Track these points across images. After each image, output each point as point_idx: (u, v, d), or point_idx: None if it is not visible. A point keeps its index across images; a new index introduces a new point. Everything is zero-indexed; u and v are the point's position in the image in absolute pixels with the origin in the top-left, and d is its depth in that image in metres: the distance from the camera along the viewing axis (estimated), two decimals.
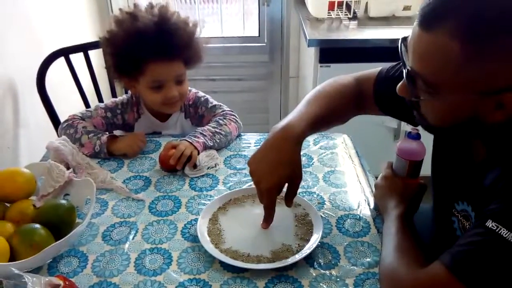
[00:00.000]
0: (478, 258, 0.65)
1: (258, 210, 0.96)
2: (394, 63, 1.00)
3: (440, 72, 0.68)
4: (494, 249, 0.65)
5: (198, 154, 1.19)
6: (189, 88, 1.42)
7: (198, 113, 1.39)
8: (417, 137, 0.98)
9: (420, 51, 0.70)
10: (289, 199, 0.94)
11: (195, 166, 1.17)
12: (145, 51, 1.20)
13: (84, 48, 1.60)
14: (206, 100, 1.40)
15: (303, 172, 1.16)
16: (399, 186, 0.98)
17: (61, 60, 1.56)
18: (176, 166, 1.17)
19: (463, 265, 0.66)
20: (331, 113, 0.98)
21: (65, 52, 1.55)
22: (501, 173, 0.72)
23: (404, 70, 0.74)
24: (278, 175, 0.87)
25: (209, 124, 1.29)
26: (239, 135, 1.34)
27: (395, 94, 0.84)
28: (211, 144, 1.23)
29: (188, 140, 1.21)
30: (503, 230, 0.64)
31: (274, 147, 0.89)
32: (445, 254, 0.69)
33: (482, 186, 0.76)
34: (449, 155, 0.90)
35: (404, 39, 0.75)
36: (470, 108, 0.70)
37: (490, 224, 0.65)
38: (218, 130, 1.27)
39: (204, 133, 1.24)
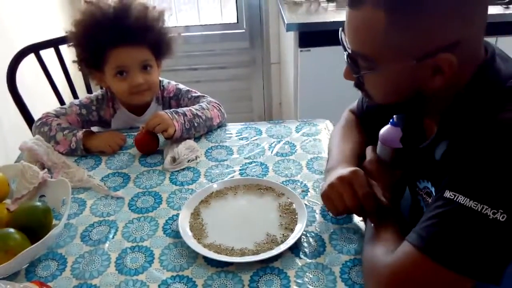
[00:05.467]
0: (442, 229, 0.66)
1: (241, 202, 0.93)
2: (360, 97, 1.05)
3: (372, 43, 0.70)
4: (455, 217, 0.65)
5: (175, 132, 1.17)
6: (169, 80, 1.39)
7: (180, 105, 1.35)
8: (399, 124, 0.95)
9: (352, 28, 0.73)
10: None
11: (174, 160, 1.14)
12: (104, 37, 1.18)
13: (54, 43, 1.54)
14: (188, 91, 1.36)
15: (286, 160, 1.15)
16: (382, 173, 0.97)
17: (33, 57, 1.50)
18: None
19: (429, 239, 0.66)
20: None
21: (35, 48, 1.50)
22: (449, 145, 0.74)
23: (345, 54, 0.77)
24: None
25: (193, 106, 1.27)
26: (222, 125, 1.32)
27: (378, 124, 0.93)
28: (188, 126, 1.21)
29: (169, 114, 1.18)
30: (461, 197, 0.65)
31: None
32: (411, 233, 0.70)
33: (434, 161, 0.78)
34: (406, 135, 0.91)
35: (343, 28, 0.78)
36: (409, 76, 0.71)
37: (447, 194, 0.66)
38: (199, 114, 1.24)
39: (186, 113, 1.22)
